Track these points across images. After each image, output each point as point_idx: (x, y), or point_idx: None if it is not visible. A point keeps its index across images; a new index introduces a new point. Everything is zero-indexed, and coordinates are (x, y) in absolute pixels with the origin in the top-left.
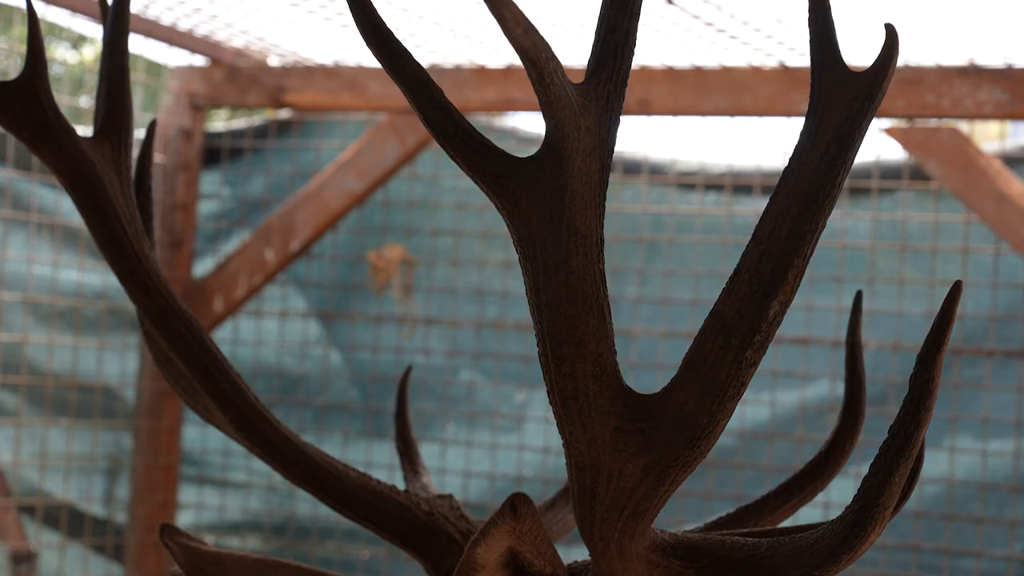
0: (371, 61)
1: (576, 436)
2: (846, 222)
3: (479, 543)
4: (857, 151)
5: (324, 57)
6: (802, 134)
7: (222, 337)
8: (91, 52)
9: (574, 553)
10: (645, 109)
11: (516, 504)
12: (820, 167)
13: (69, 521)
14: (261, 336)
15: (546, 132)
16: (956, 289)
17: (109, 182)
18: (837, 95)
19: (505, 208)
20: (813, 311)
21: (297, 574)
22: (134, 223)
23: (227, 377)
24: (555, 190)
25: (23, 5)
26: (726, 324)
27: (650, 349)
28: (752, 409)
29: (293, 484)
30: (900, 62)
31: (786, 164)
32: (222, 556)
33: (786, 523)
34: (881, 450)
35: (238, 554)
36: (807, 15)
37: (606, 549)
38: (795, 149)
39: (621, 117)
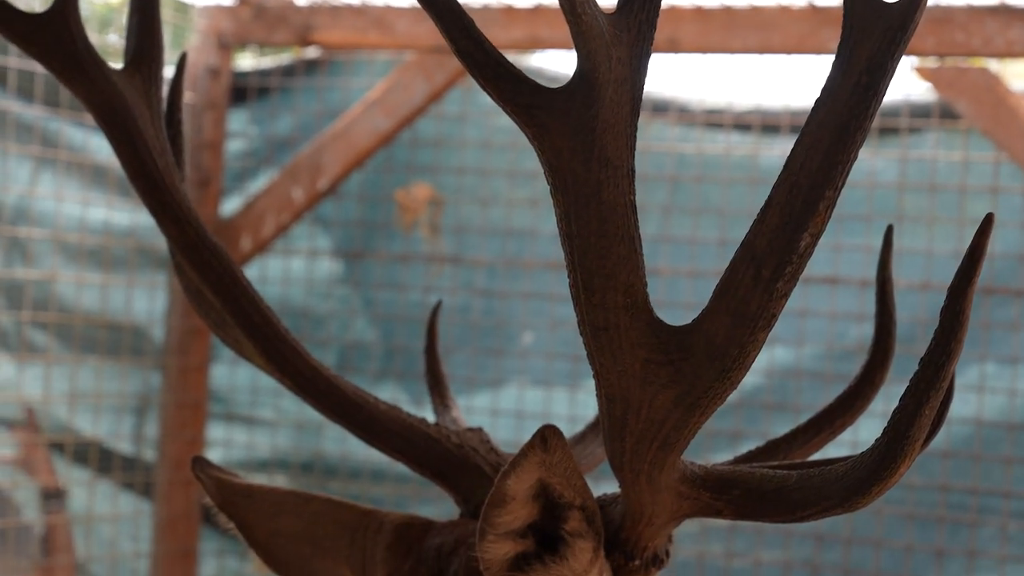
0: None
1: (606, 368)
2: (875, 161)
3: (509, 475)
4: (890, 82)
5: None
6: (834, 65)
7: (249, 276)
8: None
9: (604, 487)
10: (674, 47)
11: (546, 436)
12: (852, 98)
13: (98, 458)
14: (288, 275)
15: (577, 62)
16: (987, 222)
17: (139, 114)
18: (870, 25)
19: (536, 139)
20: (841, 251)
21: (327, 506)
22: (164, 155)
23: (257, 309)
24: (586, 120)
25: None
26: (757, 255)
27: (676, 288)
28: (781, 349)
29: (324, 416)
30: (930, 1)
31: (817, 95)
32: (253, 488)
33: (815, 458)
34: (911, 382)
35: (268, 487)
36: None
37: (636, 481)
38: (827, 80)
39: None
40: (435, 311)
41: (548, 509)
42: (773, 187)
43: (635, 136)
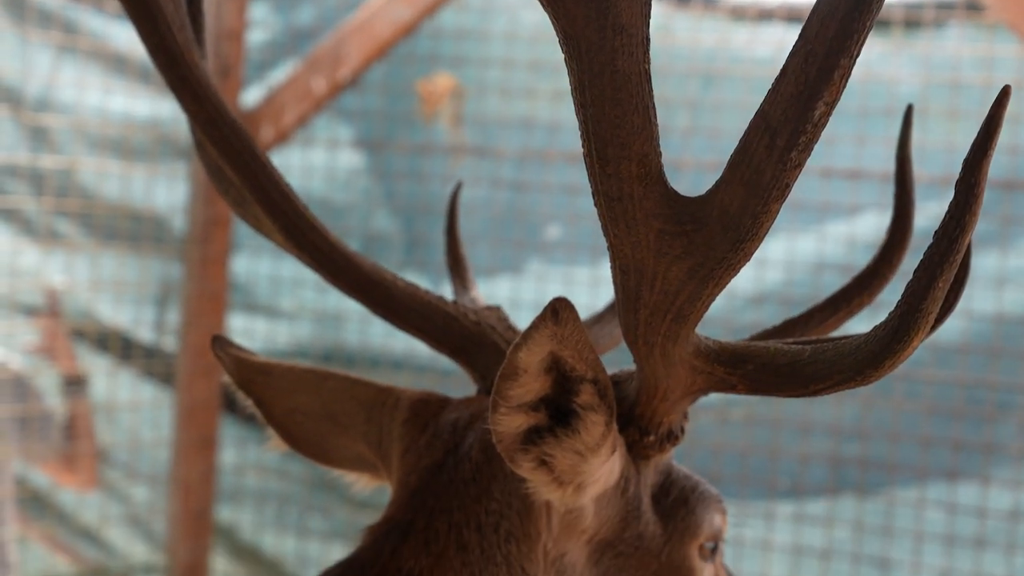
0: None
1: (620, 239)
2: (899, 56)
3: (521, 347)
4: None
5: None
6: None
7: None
8: None
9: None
10: None
11: (557, 309)
12: None
13: (120, 346)
14: (309, 166)
15: None
16: (1004, 94)
17: None
18: None
19: (549, 5)
20: (864, 144)
21: (344, 384)
22: (184, 31)
23: (276, 186)
24: None
25: None
26: (771, 125)
27: (700, 181)
28: (802, 242)
29: (342, 292)
30: None
31: None
32: (271, 366)
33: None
34: (925, 255)
35: (287, 364)
36: None
37: (650, 354)
38: None
39: None
40: (455, 192)
41: (560, 383)
42: (788, 56)
43: (650, 4)
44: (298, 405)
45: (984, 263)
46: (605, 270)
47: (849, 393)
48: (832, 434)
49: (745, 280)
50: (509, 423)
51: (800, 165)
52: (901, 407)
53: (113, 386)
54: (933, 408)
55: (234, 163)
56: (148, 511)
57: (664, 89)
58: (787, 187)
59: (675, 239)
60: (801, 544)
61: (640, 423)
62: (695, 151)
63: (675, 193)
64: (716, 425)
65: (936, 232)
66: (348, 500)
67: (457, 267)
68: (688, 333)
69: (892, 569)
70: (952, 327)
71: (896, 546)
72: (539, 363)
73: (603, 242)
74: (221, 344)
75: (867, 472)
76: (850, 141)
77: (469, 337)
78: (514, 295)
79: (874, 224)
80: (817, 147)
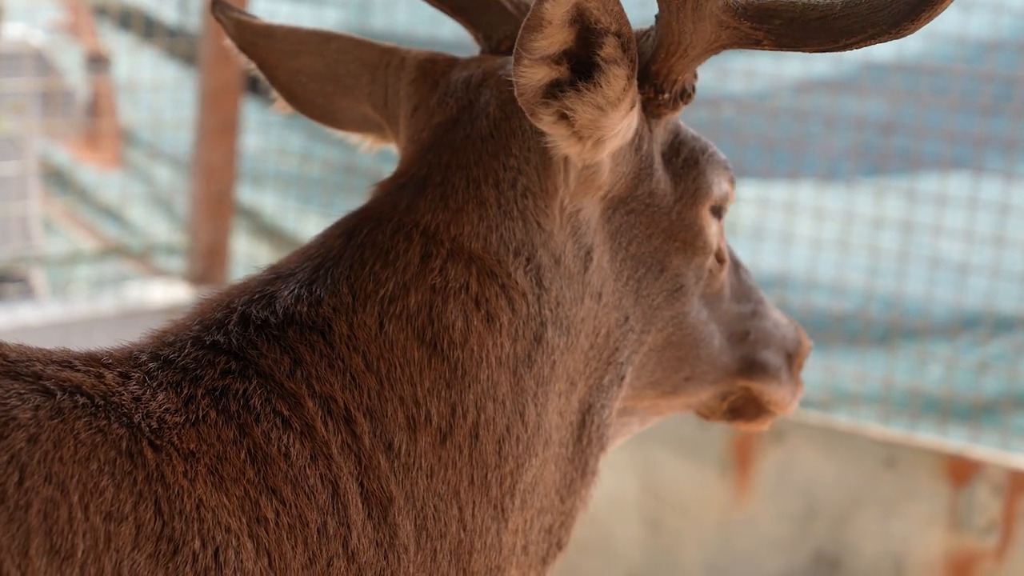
0: None
1: None
2: None
3: None
4: None
5: None
6: None
7: None
8: None
9: None
10: None
11: None
12: None
13: (143, 25)
14: None
15: None
16: None
17: None
18: None
19: None
20: None
21: (348, 44)
22: None
23: None
24: None
25: None
26: None
27: None
28: None
29: None
30: None
31: None
32: (273, 28)
33: None
34: None
35: (289, 26)
36: None
37: (683, 6)
38: None
39: None
40: None
41: (583, 36)
42: None
43: None
44: (302, 67)
45: None
46: None
47: (876, 87)
48: (856, 127)
49: None
50: (532, 75)
51: None
52: (928, 102)
53: (135, 65)
54: (959, 103)
55: None
56: (170, 191)
57: None
58: None
59: None
60: (820, 237)
61: (655, 81)
62: None
63: None
64: (741, 116)
65: None
66: (374, 181)
67: None
68: None
69: (910, 263)
70: (982, 22)
71: (915, 241)
72: (564, 14)
73: None
74: (221, 7)
75: (889, 165)
76: None
77: None
78: None
79: None
80: None
